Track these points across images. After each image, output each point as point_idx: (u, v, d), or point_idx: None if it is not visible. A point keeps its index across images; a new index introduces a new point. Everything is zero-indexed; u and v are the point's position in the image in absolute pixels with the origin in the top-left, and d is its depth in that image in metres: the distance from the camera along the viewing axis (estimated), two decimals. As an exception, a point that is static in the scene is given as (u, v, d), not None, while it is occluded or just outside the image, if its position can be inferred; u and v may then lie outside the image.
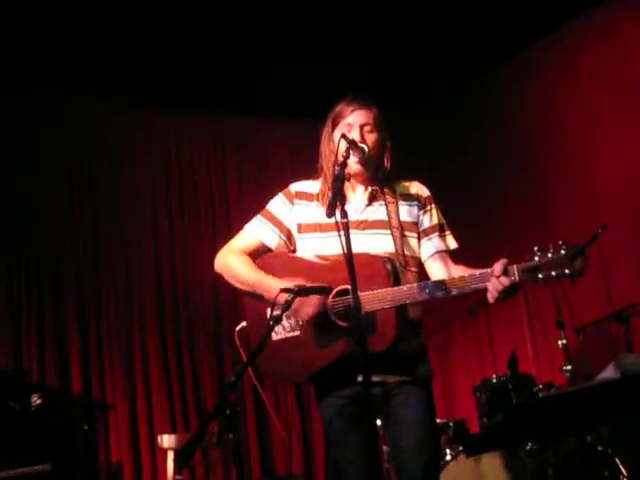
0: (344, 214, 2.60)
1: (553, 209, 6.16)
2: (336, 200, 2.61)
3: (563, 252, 2.51)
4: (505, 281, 2.59)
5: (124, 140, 6.63)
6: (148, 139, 6.78)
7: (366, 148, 2.92)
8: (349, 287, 2.65)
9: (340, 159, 2.82)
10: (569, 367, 4.62)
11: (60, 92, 6.19)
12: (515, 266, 2.60)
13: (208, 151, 7.06)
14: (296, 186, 3.11)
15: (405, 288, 2.73)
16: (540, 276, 2.54)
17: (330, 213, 2.59)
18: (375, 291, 2.73)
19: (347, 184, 2.97)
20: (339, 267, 2.72)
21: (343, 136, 2.88)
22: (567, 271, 2.50)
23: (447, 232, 3.08)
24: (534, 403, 3.92)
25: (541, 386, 4.72)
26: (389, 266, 2.80)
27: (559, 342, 4.71)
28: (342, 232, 2.57)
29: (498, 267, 2.61)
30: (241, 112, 6.80)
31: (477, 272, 2.70)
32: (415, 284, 2.75)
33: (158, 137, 6.83)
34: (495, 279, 2.61)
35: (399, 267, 2.85)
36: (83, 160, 6.44)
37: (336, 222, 2.58)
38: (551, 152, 6.22)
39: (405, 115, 6.50)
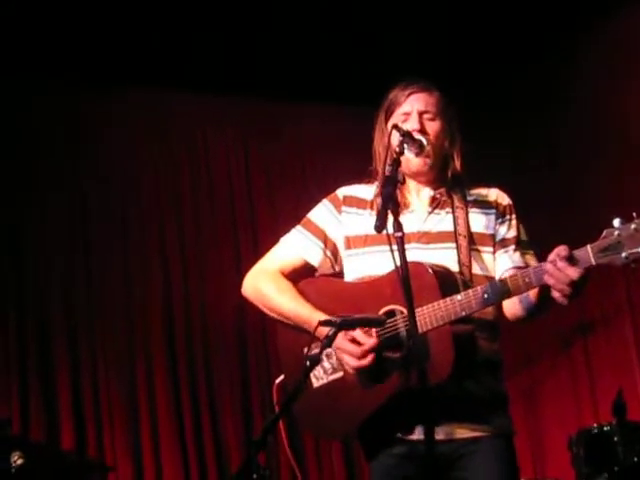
0: (398, 226, 2.30)
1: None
2: (386, 209, 2.31)
3: None
4: (573, 273, 2.24)
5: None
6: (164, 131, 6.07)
7: (425, 141, 2.60)
8: (395, 307, 2.48)
9: (392, 156, 2.48)
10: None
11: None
12: (589, 247, 2.26)
13: (227, 142, 6.26)
14: (345, 190, 2.81)
15: (459, 297, 2.42)
16: (624, 255, 2.22)
17: (379, 226, 2.29)
18: (424, 307, 2.43)
19: (407, 187, 2.72)
20: (383, 285, 2.52)
21: (395, 126, 2.57)
22: None
23: (529, 250, 2.72)
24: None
25: (656, 437, 4.35)
26: (441, 276, 2.47)
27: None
28: (396, 247, 2.27)
29: (560, 253, 2.27)
30: (272, 97, 6.06)
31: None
32: (471, 290, 2.41)
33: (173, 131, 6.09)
34: (557, 271, 2.26)
35: (460, 282, 2.53)
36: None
37: (387, 235, 2.29)
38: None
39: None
